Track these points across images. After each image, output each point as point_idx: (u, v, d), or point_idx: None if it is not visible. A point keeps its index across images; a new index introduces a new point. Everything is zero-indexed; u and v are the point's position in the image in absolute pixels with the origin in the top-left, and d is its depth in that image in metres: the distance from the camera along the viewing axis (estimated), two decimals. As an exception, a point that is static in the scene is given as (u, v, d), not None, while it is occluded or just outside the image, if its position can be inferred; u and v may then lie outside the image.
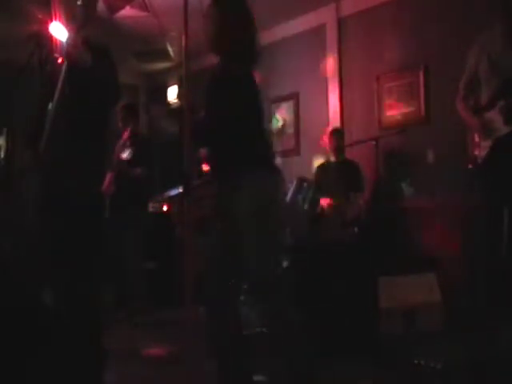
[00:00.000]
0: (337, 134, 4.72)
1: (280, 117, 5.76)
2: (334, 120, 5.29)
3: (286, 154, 5.45)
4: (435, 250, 4.19)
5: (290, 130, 5.73)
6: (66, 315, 2.33)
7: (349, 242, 3.89)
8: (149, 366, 3.23)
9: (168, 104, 7.07)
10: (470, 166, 3.02)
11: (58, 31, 2.43)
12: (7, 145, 4.16)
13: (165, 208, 5.60)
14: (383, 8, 4.94)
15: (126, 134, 4.62)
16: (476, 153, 2.97)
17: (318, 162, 4.83)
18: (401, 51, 4.82)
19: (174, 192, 5.30)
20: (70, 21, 2.38)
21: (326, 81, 5.43)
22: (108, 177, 4.38)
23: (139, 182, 4.51)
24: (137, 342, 3.79)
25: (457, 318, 3.46)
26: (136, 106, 5.12)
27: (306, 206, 3.97)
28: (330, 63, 5.39)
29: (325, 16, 5.43)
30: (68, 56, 2.29)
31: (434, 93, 4.56)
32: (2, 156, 4.07)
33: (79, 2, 2.30)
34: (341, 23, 5.34)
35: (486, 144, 2.88)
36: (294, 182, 4.01)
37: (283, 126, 5.75)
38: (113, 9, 4.80)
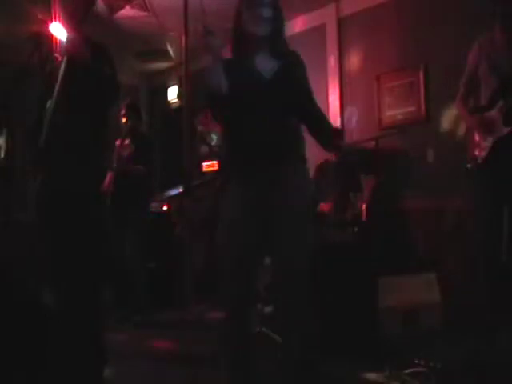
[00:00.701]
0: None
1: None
2: (334, 120, 5.29)
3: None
4: (435, 250, 4.19)
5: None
6: (66, 315, 2.33)
7: (349, 242, 3.89)
8: (149, 366, 3.23)
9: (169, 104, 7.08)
10: (469, 166, 3.01)
11: (58, 31, 2.43)
12: (7, 145, 4.16)
13: (165, 208, 5.60)
14: (383, 8, 4.93)
15: (126, 133, 4.63)
16: (476, 153, 2.97)
17: (317, 161, 4.83)
18: (401, 51, 4.82)
19: (173, 192, 5.30)
20: (69, 17, 2.39)
21: (326, 81, 5.43)
22: (108, 176, 4.38)
23: (139, 180, 4.51)
24: (137, 342, 3.79)
25: (457, 318, 3.46)
26: (137, 104, 5.12)
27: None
28: (330, 63, 5.39)
29: (325, 16, 5.43)
30: (67, 53, 2.29)
31: (433, 93, 4.56)
32: (2, 156, 4.07)
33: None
34: (341, 23, 5.33)
35: (486, 144, 2.89)
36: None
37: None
38: (113, 9, 4.80)
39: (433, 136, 4.52)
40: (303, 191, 2.15)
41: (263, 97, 2.11)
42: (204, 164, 6.25)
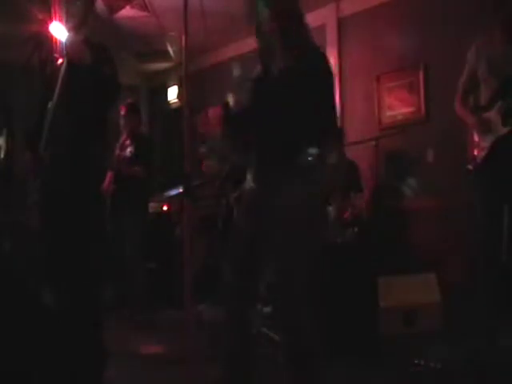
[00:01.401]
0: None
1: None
2: (334, 120, 5.29)
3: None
4: (435, 250, 4.19)
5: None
6: (65, 315, 2.33)
7: (349, 242, 3.89)
8: (149, 366, 3.24)
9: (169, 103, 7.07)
10: (470, 167, 3.01)
11: (58, 31, 2.43)
12: (7, 145, 4.16)
13: (165, 208, 5.60)
14: (383, 8, 4.93)
15: (126, 133, 4.63)
16: (475, 153, 2.97)
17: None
18: (401, 51, 4.82)
19: (173, 192, 5.30)
20: (70, 19, 2.39)
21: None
22: (108, 176, 4.38)
23: (139, 180, 4.51)
24: (137, 342, 3.79)
25: (457, 317, 3.46)
26: (137, 105, 5.12)
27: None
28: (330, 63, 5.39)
29: (325, 16, 5.42)
30: (68, 54, 2.30)
31: (433, 93, 4.56)
32: (2, 156, 4.07)
33: (78, 2, 2.31)
34: (341, 23, 5.34)
35: (485, 144, 2.89)
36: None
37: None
38: (113, 9, 4.80)
39: (433, 136, 4.52)
40: (300, 198, 2.07)
41: (266, 95, 2.09)
42: (204, 164, 6.25)
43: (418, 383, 2.73)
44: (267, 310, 3.44)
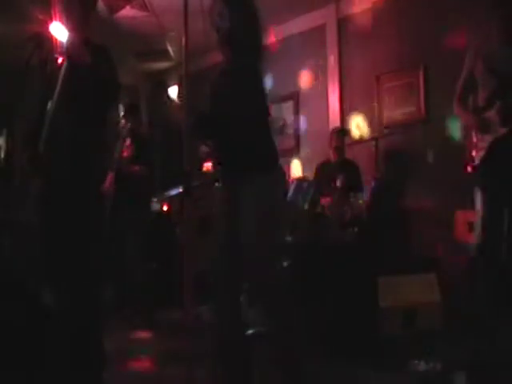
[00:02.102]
0: (338, 133, 4.73)
1: (280, 116, 5.75)
2: (334, 120, 5.29)
3: (285, 153, 5.45)
4: (435, 250, 4.19)
5: (290, 130, 5.73)
6: (65, 315, 2.33)
7: (349, 242, 3.89)
8: (148, 366, 3.23)
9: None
10: (469, 168, 3.01)
11: (58, 31, 2.43)
12: (7, 145, 4.16)
13: (165, 208, 5.60)
14: (383, 8, 4.94)
15: (126, 134, 4.63)
16: (473, 153, 2.97)
17: (317, 161, 4.83)
18: (401, 51, 4.82)
19: (173, 192, 5.30)
20: (69, 19, 2.39)
21: (326, 81, 5.43)
22: (109, 176, 4.38)
23: (139, 180, 4.50)
24: (137, 342, 3.79)
25: (457, 318, 3.46)
26: (138, 104, 5.12)
27: (305, 206, 3.97)
28: (330, 63, 5.39)
29: (325, 16, 5.42)
30: (67, 54, 2.29)
31: (433, 93, 4.56)
32: (2, 156, 4.07)
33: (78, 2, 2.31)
34: (341, 23, 5.34)
35: (483, 144, 2.89)
36: (294, 182, 4.01)
37: (283, 125, 5.74)
38: (113, 9, 4.80)
39: (433, 136, 4.51)
40: (262, 199, 2.17)
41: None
42: (204, 164, 6.24)
43: (417, 383, 2.73)
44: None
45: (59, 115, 2.32)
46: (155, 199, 5.42)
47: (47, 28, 2.50)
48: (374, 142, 4.50)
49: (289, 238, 3.77)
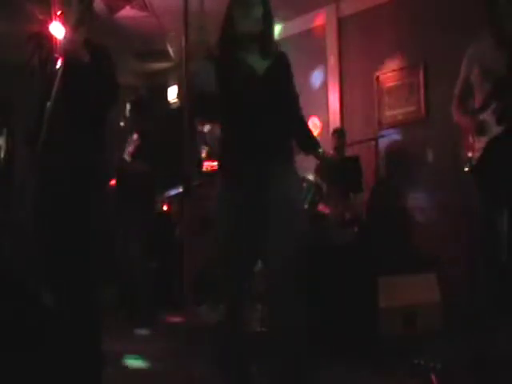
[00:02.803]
0: (338, 133, 4.73)
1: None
2: (334, 120, 5.29)
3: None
4: (435, 250, 4.19)
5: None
6: (65, 315, 2.33)
7: (349, 241, 3.89)
8: (148, 366, 3.23)
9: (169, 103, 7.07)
10: (466, 169, 3.01)
11: (58, 31, 2.43)
12: (7, 145, 4.16)
13: (165, 208, 5.59)
14: (383, 8, 4.94)
15: (131, 129, 4.63)
16: (469, 155, 2.97)
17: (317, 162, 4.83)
18: (400, 51, 4.82)
19: (173, 192, 5.30)
20: (68, 18, 2.39)
21: (326, 81, 5.43)
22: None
23: (141, 179, 4.49)
24: (137, 342, 3.79)
25: (457, 317, 3.46)
26: (145, 101, 5.12)
27: (305, 206, 3.96)
28: (330, 63, 5.39)
29: (325, 16, 5.43)
30: (65, 52, 2.29)
31: (433, 93, 4.56)
32: (2, 156, 4.07)
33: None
34: (341, 23, 5.34)
35: (480, 145, 2.89)
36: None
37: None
38: (113, 9, 4.80)
39: (433, 136, 4.52)
40: (293, 191, 2.16)
41: (257, 93, 2.11)
42: (204, 164, 6.25)
43: (417, 383, 2.73)
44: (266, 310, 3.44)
45: (57, 114, 2.31)
46: (158, 199, 5.42)
47: (47, 28, 2.50)
48: (374, 142, 4.50)
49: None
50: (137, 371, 3.10)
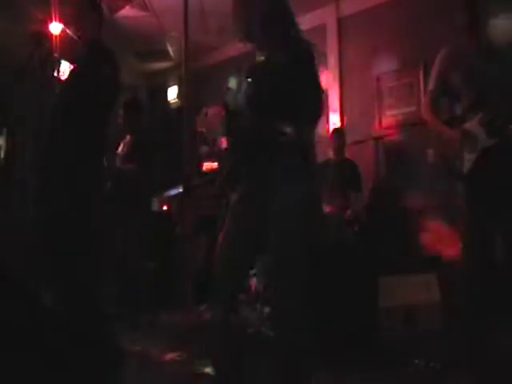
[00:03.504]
0: (338, 133, 4.73)
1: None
2: (334, 120, 5.30)
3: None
4: (435, 250, 4.19)
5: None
6: (65, 315, 2.33)
7: (349, 241, 3.89)
8: (147, 366, 3.23)
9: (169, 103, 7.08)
10: (457, 179, 2.97)
11: (58, 31, 2.43)
12: (7, 145, 4.16)
13: (165, 208, 5.59)
14: (383, 8, 4.94)
15: (126, 130, 4.62)
16: (458, 165, 2.90)
17: (317, 161, 4.83)
18: (400, 51, 4.82)
19: (173, 192, 5.30)
20: (67, 16, 2.39)
21: (326, 81, 5.43)
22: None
23: (138, 179, 4.48)
24: (137, 343, 3.79)
25: (457, 318, 3.45)
26: (138, 101, 5.10)
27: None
28: (330, 63, 5.39)
29: (325, 16, 5.43)
30: (65, 53, 2.30)
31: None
32: (2, 156, 4.07)
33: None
34: (341, 23, 5.34)
35: (470, 156, 2.81)
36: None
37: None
38: (113, 9, 4.80)
39: (433, 136, 4.51)
40: (299, 192, 2.11)
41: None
42: (204, 164, 6.25)
43: (417, 383, 2.73)
44: (267, 310, 3.44)
45: (59, 116, 2.32)
46: (155, 199, 5.41)
47: (47, 28, 2.50)
48: (373, 142, 4.50)
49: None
50: (135, 371, 3.10)
